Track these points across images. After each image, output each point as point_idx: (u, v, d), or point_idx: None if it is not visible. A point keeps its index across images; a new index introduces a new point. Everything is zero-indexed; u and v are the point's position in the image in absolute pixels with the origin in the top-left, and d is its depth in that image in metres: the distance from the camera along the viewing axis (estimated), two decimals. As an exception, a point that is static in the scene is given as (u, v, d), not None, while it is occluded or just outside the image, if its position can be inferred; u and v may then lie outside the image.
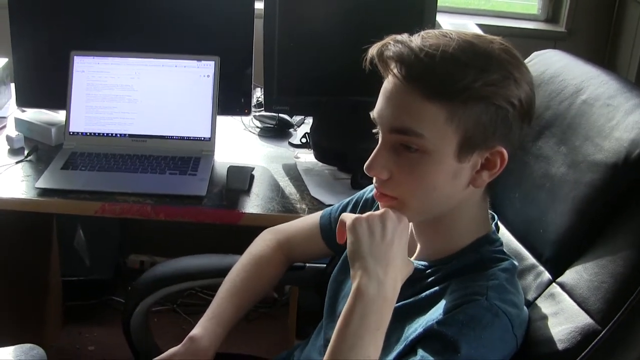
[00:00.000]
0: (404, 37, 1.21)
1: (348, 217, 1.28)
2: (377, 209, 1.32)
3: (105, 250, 3.24)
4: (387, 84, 1.22)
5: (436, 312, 1.22)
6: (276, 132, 2.63)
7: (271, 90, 2.38)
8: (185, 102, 2.34)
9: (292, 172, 2.30)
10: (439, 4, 2.38)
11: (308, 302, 2.33)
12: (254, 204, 2.09)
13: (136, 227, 3.23)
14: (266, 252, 1.70)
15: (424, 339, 1.19)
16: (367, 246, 1.22)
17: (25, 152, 2.30)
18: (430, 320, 1.20)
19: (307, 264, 1.81)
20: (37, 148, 2.33)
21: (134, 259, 3.41)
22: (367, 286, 1.18)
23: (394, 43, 1.20)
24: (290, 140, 2.57)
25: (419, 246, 1.37)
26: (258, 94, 2.72)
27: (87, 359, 2.92)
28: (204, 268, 1.85)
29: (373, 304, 1.18)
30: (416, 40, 1.19)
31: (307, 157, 2.39)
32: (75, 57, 2.32)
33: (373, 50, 1.23)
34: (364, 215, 1.25)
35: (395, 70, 1.19)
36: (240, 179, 2.16)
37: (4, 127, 2.50)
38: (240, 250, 1.73)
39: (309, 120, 2.58)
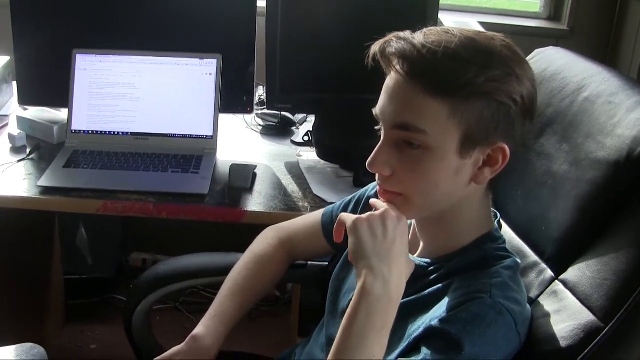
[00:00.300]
0: (406, 34, 1.21)
1: (348, 217, 1.28)
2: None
3: (108, 248, 3.24)
4: (390, 80, 1.23)
5: (439, 310, 1.22)
6: (278, 130, 2.63)
7: (273, 88, 2.38)
8: (187, 100, 2.34)
9: (295, 170, 2.30)
10: (441, 2, 2.38)
11: (310, 300, 2.32)
12: (256, 202, 2.09)
13: (138, 225, 3.23)
14: (268, 251, 1.70)
15: (428, 337, 1.19)
16: (370, 245, 1.22)
17: (28, 151, 2.30)
18: (434, 319, 1.20)
19: (309, 262, 1.81)
20: (39, 146, 2.33)
21: (136, 257, 3.41)
22: (372, 285, 1.18)
23: (396, 40, 1.20)
24: (293, 138, 2.57)
25: (421, 244, 1.37)
26: (260, 92, 2.72)
27: (89, 357, 2.92)
28: (205, 266, 1.85)
29: (378, 302, 1.18)
30: (418, 37, 1.19)
31: (309, 155, 2.39)
32: (77, 55, 2.32)
33: (375, 47, 1.23)
34: (364, 215, 1.26)
35: (397, 67, 1.19)
36: (243, 177, 2.16)
37: (6, 125, 2.50)
38: (242, 249, 1.73)
39: (311, 119, 2.58)
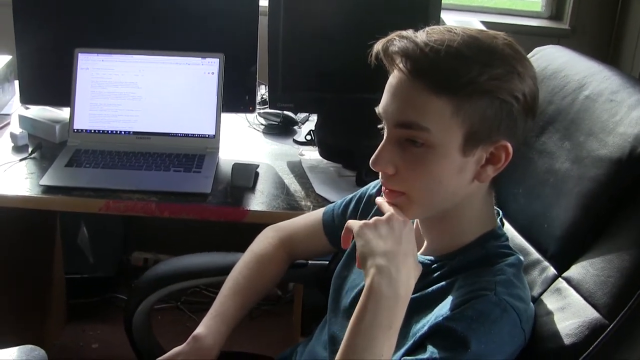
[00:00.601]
0: (409, 32, 1.21)
1: (355, 223, 1.29)
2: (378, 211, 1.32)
3: (109, 247, 3.25)
4: (393, 79, 1.23)
5: (444, 308, 1.21)
6: (281, 129, 2.63)
7: (276, 87, 2.38)
8: (189, 100, 2.34)
9: (297, 170, 2.30)
10: (443, 1, 2.38)
11: (312, 299, 2.33)
12: (258, 202, 2.09)
13: (140, 224, 3.24)
14: (268, 250, 1.70)
15: (433, 335, 1.19)
16: (377, 246, 1.22)
17: (30, 150, 2.30)
18: (439, 316, 1.20)
19: (310, 261, 1.81)
20: (41, 145, 2.33)
21: (138, 256, 3.41)
22: (379, 283, 1.18)
23: (399, 38, 1.21)
24: (295, 137, 2.57)
25: (425, 242, 1.37)
26: (262, 91, 2.72)
27: (90, 356, 2.92)
28: (206, 266, 1.85)
29: (386, 301, 1.18)
30: (421, 35, 1.20)
31: (311, 155, 2.38)
32: (79, 54, 2.32)
33: (378, 46, 1.24)
34: (371, 220, 1.26)
35: (400, 65, 1.20)
36: (245, 177, 2.16)
37: (8, 124, 2.51)
38: (244, 248, 1.73)
39: (314, 118, 2.58)
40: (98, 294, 3.20)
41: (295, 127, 2.65)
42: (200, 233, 2.68)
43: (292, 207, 2.06)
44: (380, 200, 1.33)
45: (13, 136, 2.34)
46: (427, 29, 1.22)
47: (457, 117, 1.18)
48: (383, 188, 1.30)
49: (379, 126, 1.28)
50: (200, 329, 1.55)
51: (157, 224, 2.64)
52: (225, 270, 1.69)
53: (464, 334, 1.15)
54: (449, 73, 1.17)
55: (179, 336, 1.57)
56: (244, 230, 1.84)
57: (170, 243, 3.08)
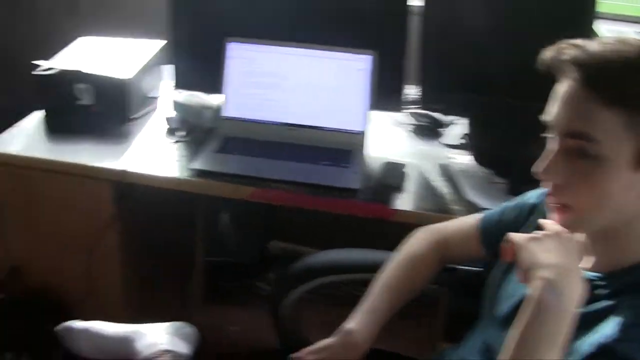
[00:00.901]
0: (581, 41, 1.19)
1: (518, 236, 1.28)
2: (537, 225, 1.31)
3: (251, 235, 3.29)
4: (563, 87, 1.20)
5: (610, 328, 1.17)
6: (429, 130, 2.59)
7: (426, 88, 2.36)
8: (339, 95, 2.34)
9: (446, 172, 2.27)
10: (597, 10, 2.30)
11: (456, 304, 2.30)
12: (407, 201, 2.08)
13: (282, 214, 3.25)
14: (422, 252, 1.70)
15: (600, 356, 1.15)
16: (544, 259, 1.20)
17: (181, 134, 2.35)
18: (604, 337, 1.16)
19: (458, 267, 1.79)
20: (193, 130, 2.37)
21: (277, 245, 3.43)
22: (547, 297, 1.16)
23: (570, 46, 1.19)
24: (443, 139, 2.53)
25: (590, 257, 1.33)
26: (413, 91, 2.69)
27: (229, 339, 2.97)
28: (357, 262, 1.85)
29: (553, 315, 1.16)
30: (594, 44, 1.17)
31: (461, 158, 2.35)
32: (230, 43, 2.36)
33: (549, 53, 1.22)
34: (538, 234, 1.25)
35: (572, 74, 1.17)
36: (395, 175, 2.16)
37: (157, 107, 2.56)
38: (378, 247, 1.75)
39: (462, 121, 2.53)
40: (238, 279, 3.24)
41: (444, 129, 2.61)
42: (330, 227, 2.66)
43: (441, 210, 2.04)
44: (543, 222, 1.30)
45: (168, 120, 2.40)
46: (599, 38, 1.19)
47: (630, 132, 1.13)
48: (550, 200, 1.26)
49: (544, 135, 1.25)
50: (351, 324, 1.55)
51: (297, 215, 2.65)
52: (375, 267, 1.68)
53: (634, 357, 1.11)
54: (623, 84, 1.13)
55: (315, 328, 1.57)
56: (374, 229, 1.82)
57: (311, 235, 3.08)
